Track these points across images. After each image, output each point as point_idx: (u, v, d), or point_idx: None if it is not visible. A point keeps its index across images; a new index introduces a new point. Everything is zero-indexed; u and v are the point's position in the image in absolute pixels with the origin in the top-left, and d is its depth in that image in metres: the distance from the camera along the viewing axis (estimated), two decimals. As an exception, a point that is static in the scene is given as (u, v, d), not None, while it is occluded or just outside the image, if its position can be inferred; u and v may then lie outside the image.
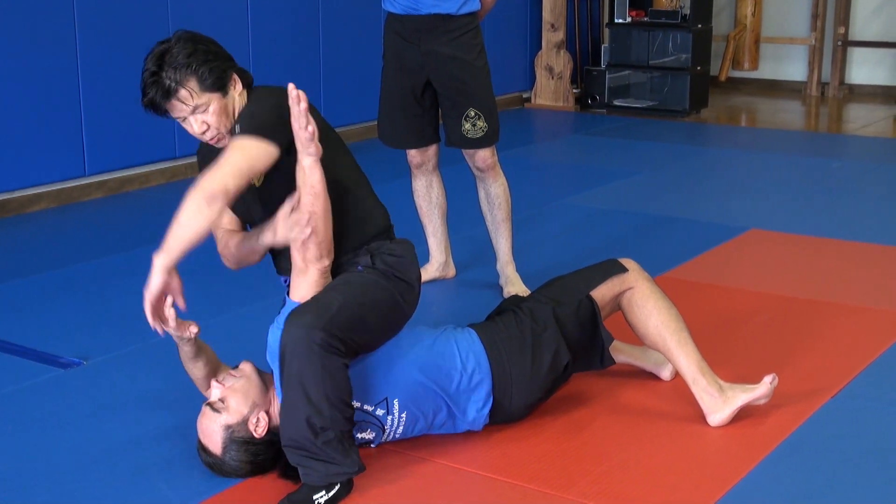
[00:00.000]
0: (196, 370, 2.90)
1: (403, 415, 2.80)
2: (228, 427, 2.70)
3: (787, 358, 3.45)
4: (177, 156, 6.09)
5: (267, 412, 2.73)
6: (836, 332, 3.71)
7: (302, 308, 2.63)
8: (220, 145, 2.74)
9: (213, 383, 2.76)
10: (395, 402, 2.78)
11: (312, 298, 2.67)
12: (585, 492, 2.66)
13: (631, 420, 3.05)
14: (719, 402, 2.96)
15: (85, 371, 3.48)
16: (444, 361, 2.84)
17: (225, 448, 2.70)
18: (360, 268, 2.78)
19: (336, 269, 2.79)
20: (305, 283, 2.70)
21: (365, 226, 2.84)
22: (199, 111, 2.69)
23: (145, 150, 5.95)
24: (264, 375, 2.80)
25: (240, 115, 2.73)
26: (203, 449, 2.74)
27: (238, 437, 2.70)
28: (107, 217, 5.50)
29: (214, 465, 2.73)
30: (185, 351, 2.85)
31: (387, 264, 2.80)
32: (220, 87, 2.70)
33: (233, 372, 2.80)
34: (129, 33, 5.72)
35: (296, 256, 2.69)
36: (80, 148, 5.64)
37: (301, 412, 2.56)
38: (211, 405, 2.73)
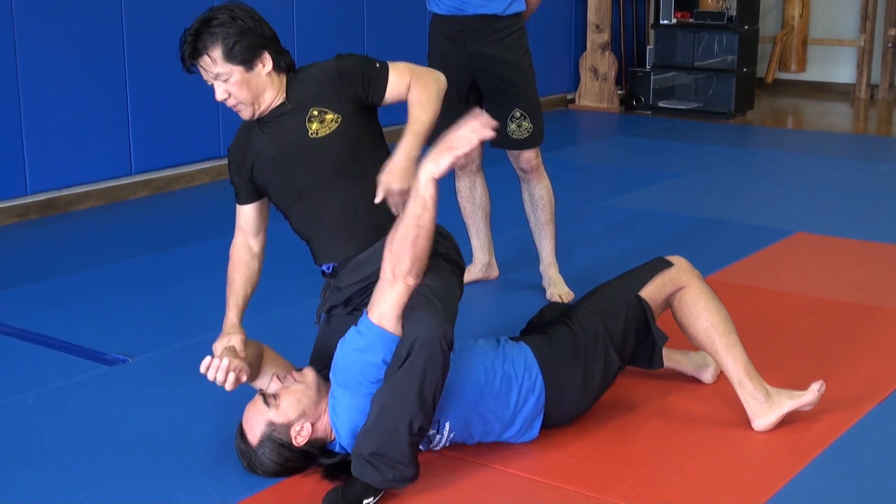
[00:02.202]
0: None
1: (452, 434, 2.80)
2: (272, 424, 2.71)
3: (833, 362, 3.40)
4: (222, 155, 6.13)
5: (313, 424, 2.72)
6: (883, 336, 3.66)
7: (433, 303, 2.55)
8: (241, 115, 2.84)
9: (274, 378, 2.77)
10: (447, 425, 2.78)
11: (433, 292, 2.59)
12: (627, 495, 2.65)
13: (674, 425, 3.03)
14: (765, 408, 2.93)
15: (130, 368, 3.51)
16: (502, 386, 2.81)
17: (261, 442, 2.71)
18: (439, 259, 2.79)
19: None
20: (390, 299, 2.59)
21: None
22: (221, 79, 2.77)
23: (191, 149, 6.00)
24: (322, 387, 2.77)
25: (345, 70, 2.85)
26: (240, 433, 2.76)
27: (276, 438, 2.70)
28: (152, 215, 5.55)
29: (245, 454, 2.74)
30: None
31: (451, 254, 2.87)
32: (245, 61, 2.76)
33: (295, 374, 2.79)
34: (175, 33, 5.74)
35: (385, 268, 2.61)
36: (127, 147, 5.70)
37: (407, 408, 2.52)
38: (264, 396, 2.73)
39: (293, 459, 2.72)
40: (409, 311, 2.56)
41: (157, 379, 3.41)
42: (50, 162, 5.38)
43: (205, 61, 2.76)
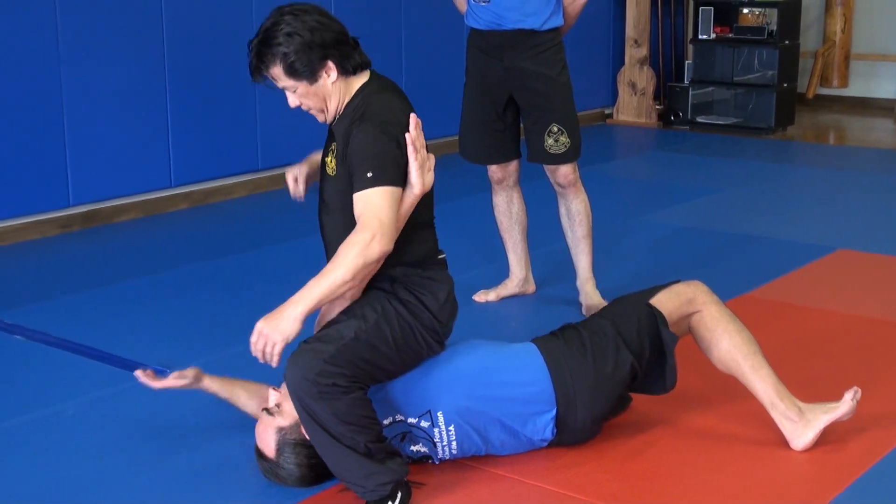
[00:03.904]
0: (242, 409, 3.02)
1: (451, 428, 2.78)
2: (281, 429, 2.74)
3: (874, 382, 3.36)
4: (259, 168, 6.18)
5: None
6: (927, 356, 3.61)
7: (303, 347, 2.61)
8: (318, 119, 2.82)
9: (270, 391, 2.82)
10: (440, 416, 2.77)
11: (322, 331, 2.66)
12: (664, 513, 2.63)
13: (712, 444, 3.00)
14: (800, 427, 2.89)
15: (168, 379, 3.53)
16: (496, 376, 2.82)
17: (279, 451, 2.74)
18: (381, 295, 2.73)
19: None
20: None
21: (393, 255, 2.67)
22: (289, 90, 2.76)
23: (229, 162, 6.05)
24: None
25: (355, 144, 2.68)
26: (259, 454, 2.79)
27: (290, 440, 2.73)
28: (192, 227, 5.59)
29: (270, 471, 2.77)
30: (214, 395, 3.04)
31: (410, 293, 2.74)
32: (308, 75, 2.72)
33: None
34: (215, 48, 5.82)
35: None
36: (167, 160, 5.75)
37: (336, 449, 2.59)
38: (267, 410, 2.78)
39: (315, 456, 2.72)
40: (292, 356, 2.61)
41: (194, 391, 3.42)
42: (92, 174, 5.45)
43: (269, 77, 2.76)
